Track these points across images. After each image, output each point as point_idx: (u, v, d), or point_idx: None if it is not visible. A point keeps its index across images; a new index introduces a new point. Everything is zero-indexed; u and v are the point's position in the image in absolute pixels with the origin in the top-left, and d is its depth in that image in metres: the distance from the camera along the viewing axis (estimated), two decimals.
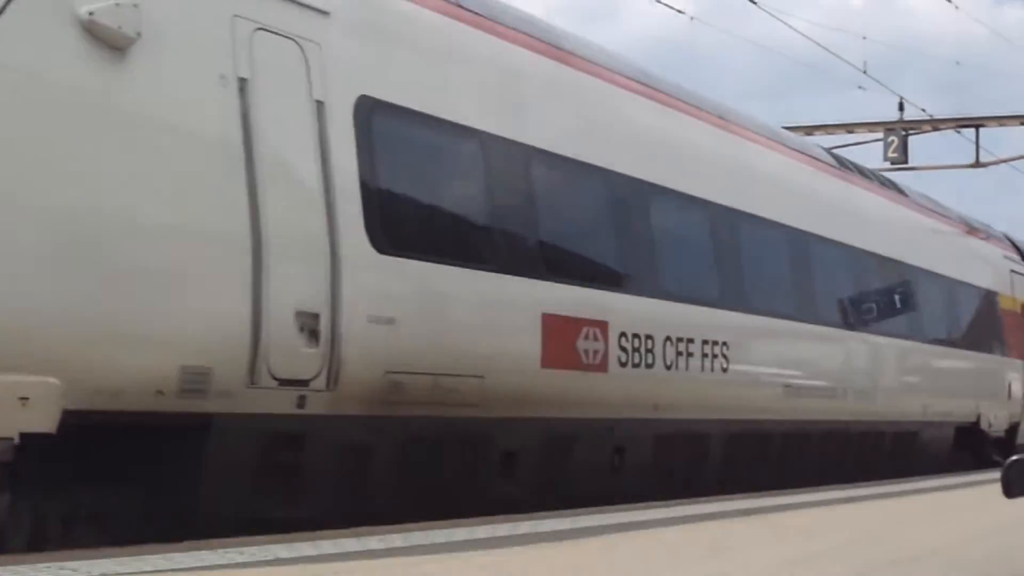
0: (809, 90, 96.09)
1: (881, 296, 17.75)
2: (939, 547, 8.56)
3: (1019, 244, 25.68)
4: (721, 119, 14.40)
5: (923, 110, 30.72)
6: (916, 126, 30.60)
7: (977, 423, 20.89)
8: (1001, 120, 31.21)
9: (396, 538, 7.79)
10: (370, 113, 9.23)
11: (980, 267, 22.06)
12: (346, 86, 9.09)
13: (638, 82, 12.90)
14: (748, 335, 13.72)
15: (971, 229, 22.75)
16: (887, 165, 28.83)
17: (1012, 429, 22.86)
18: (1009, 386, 22.44)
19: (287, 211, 8.44)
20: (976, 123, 30.85)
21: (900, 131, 29.82)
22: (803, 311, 15.12)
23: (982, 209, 77.21)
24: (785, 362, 14.68)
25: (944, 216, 21.52)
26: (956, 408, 20.00)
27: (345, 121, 9.00)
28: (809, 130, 29.65)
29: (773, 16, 39.69)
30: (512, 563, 7.00)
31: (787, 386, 14.57)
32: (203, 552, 6.77)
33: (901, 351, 18.00)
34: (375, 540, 7.62)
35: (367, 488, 9.15)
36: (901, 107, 30.26)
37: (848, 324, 16.41)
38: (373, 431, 9.10)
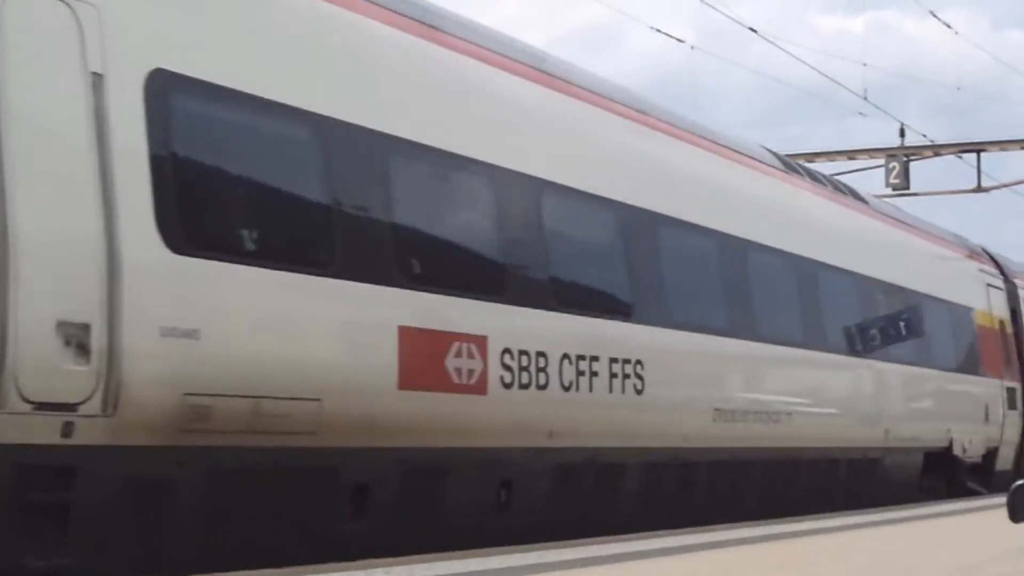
0: (810, 117, 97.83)
1: (835, 310, 16.33)
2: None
3: (997, 258, 24.23)
4: (635, 111, 12.96)
5: (924, 136, 30.53)
6: (917, 152, 30.60)
7: (949, 448, 19.44)
8: (1002, 145, 31.05)
9: None
10: (166, 89, 7.86)
11: (953, 281, 20.64)
12: (134, 57, 7.72)
13: (498, 53, 11.20)
14: (668, 353, 12.28)
15: (944, 241, 21.33)
16: (889, 191, 28.92)
17: (991, 455, 21.40)
18: (986, 408, 20.97)
19: (47, 204, 7.08)
20: (977, 148, 30.82)
21: (901, 157, 29.87)
22: (738, 326, 13.67)
23: (985, 234, 76.41)
24: (715, 383, 13.25)
25: (912, 227, 20.10)
26: (925, 432, 18.55)
27: (132, 97, 7.63)
28: (810, 157, 29.31)
29: (773, 44, 40.34)
30: None
31: (718, 410, 13.14)
32: None
33: (859, 371, 16.57)
34: None
35: (163, 532, 7.75)
36: (902, 133, 30.33)
37: (794, 341, 14.97)
38: (170, 464, 7.70)
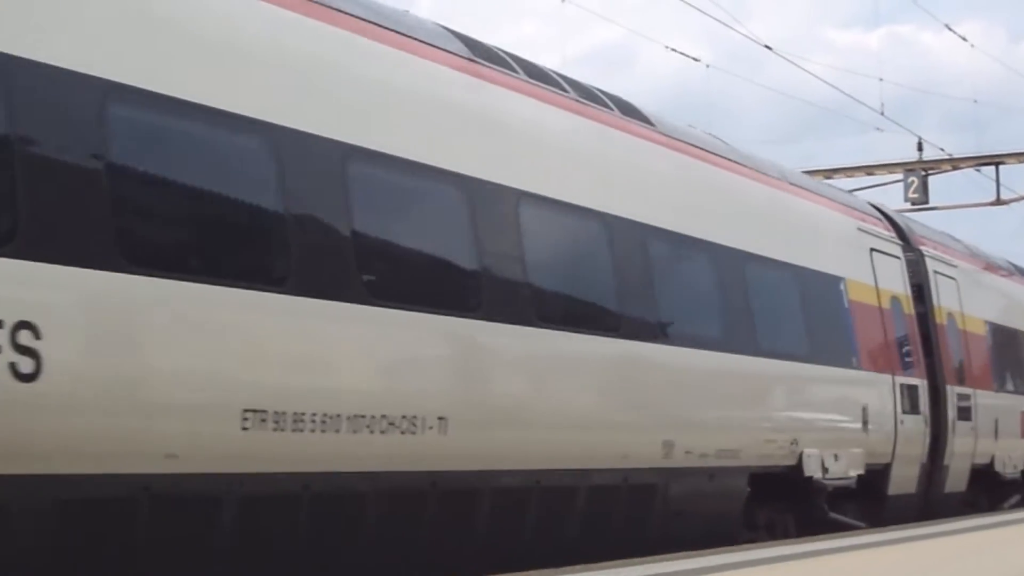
0: (827, 133, 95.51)
1: (564, 267, 11.09)
2: None
3: (897, 220, 18.89)
4: None
5: (942, 149, 30.38)
6: (935, 166, 30.60)
7: (798, 467, 14.12)
8: (1020, 157, 30.84)
9: None
10: None
11: (807, 240, 15.33)
12: None
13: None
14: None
15: (805, 191, 16.01)
16: (908, 206, 28.79)
17: (878, 475, 16.06)
18: (865, 412, 15.62)
19: None
20: (996, 161, 30.77)
21: (920, 171, 29.90)
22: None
23: (1006, 248, 73.23)
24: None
25: (746, 167, 14.77)
26: (748, 446, 13.23)
27: None
28: (828, 173, 28.76)
29: (789, 61, 39.40)
30: None
31: (253, 412, 7.90)
32: None
33: (608, 356, 11.30)
34: None
35: None
36: (920, 147, 30.17)
37: (459, 306, 9.72)
38: None
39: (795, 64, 48.76)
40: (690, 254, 12.90)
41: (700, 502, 12.52)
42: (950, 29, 33.60)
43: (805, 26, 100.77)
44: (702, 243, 12.90)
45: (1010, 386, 21.26)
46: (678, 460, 12.02)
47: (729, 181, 14.11)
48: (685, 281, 12.59)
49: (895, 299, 17.07)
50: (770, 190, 14.93)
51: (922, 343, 17.74)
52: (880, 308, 16.55)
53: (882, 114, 28.21)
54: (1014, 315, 22.18)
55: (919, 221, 20.20)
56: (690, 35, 76.42)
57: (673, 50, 33.91)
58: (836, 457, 14.83)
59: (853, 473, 15.23)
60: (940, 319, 18.55)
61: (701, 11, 39.69)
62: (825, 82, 45.03)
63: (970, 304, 19.94)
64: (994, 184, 31.09)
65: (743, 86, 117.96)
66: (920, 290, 18.37)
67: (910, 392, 16.94)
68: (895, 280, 17.22)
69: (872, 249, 16.74)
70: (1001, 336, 21.26)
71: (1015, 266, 24.34)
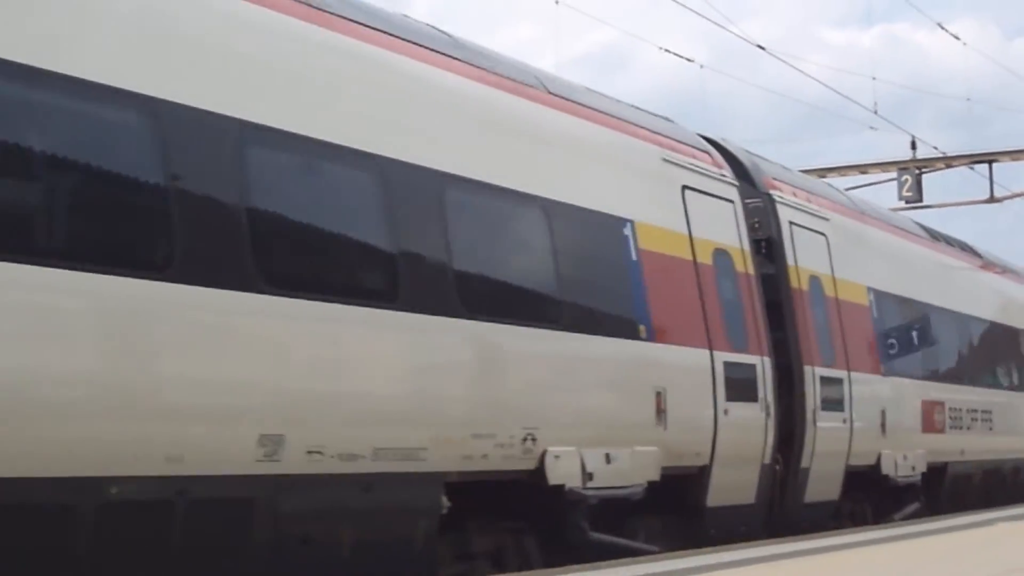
0: (821, 133, 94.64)
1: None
2: None
3: (740, 154, 14.98)
4: None
5: (936, 148, 30.65)
6: (929, 164, 30.59)
7: (539, 474, 10.24)
8: (1014, 155, 30.89)
9: None
10: None
11: (579, 171, 11.48)
12: None
13: None
14: None
15: (574, 105, 12.08)
16: (902, 204, 28.95)
17: (694, 479, 12.22)
18: (660, 397, 11.72)
19: None
20: (989, 158, 30.78)
21: (913, 170, 29.96)
22: None
23: (1001, 245, 72.46)
24: None
25: (476, 68, 10.89)
26: (442, 444, 9.35)
27: None
28: (822, 172, 28.77)
29: (782, 61, 41.28)
30: None
31: None
32: None
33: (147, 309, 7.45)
34: None
35: None
36: (913, 146, 30.28)
37: None
38: None
39: (789, 64, 47.63)
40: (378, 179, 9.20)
41: (345, 525, 8.62)
42: (943, 28, 32.97)
43: (799, 25, 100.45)
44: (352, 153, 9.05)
45: (908, 369, 17.39)
46: (292, 464, 8.13)
47: (458, 88, 10.38)
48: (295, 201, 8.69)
49: (721, 253, 13.17)
50: (512, 99, 11.05)
51: (768, 312, 13.87)
52: (695, 263, 12.65)
53: (876, 113, 28.31)
54: (918, 284, 18.32)
55: (786, 167, 16.27)
56: (684, 36, 75.85)
57: (667, 51, 36.22)
58: (608, 458, 10.95)
59: (641, 480, 11.35)
60: (799, 283, 14.67)
61: (695, 12, 39.33)
62: (819, 81, 45.54)
63: (848, 267, 16.08)
64: (988, 182, 31.15)
65: (737, 86, 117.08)
66: (768, 246, 14.51)
67: (741, 373, 13.05)
68: (722, 228, 13.33)
69: (686, 187, 12.84)
70: (896, 308, 17.39)
71: (926, 229, 20.50)
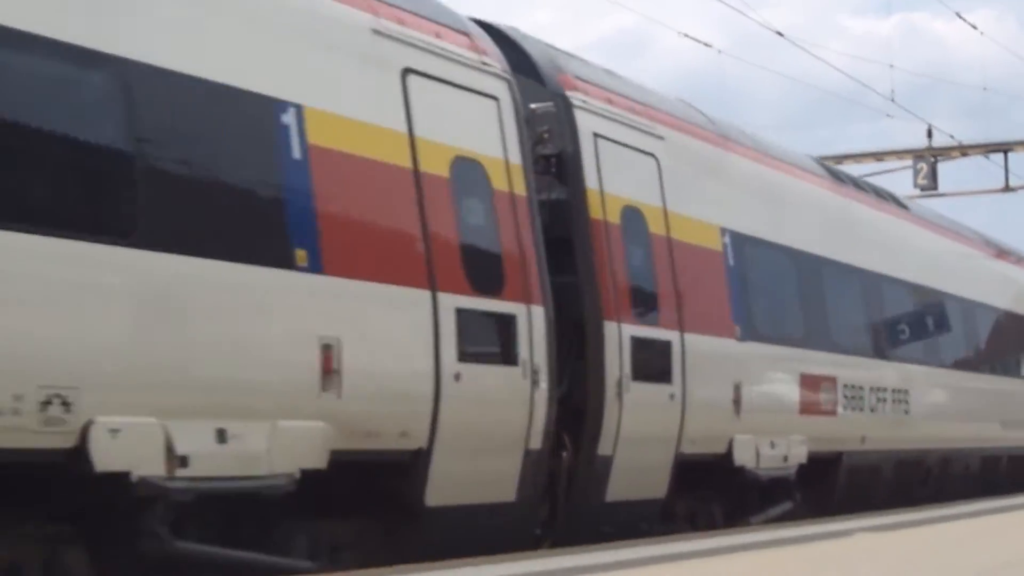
0: (838, 120, 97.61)
1: None
2: None
3: (524, 42, 11.47)
4: None
5: (951, 136, 30.87)
6: (945, 152, 30.77)
7: (85, 454, 6.79)
8: None
9: None
10: None
11: (215, 29, 8.00)
12: None
13: None
14: None
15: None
16: (917, 192, 29.08)
17: (405, 468, 8.84)
18: (330, 352, 8.23)
19: None
20: (1004, 148, 30.97)
21: (929, 158, 30.02)
22: None
23: (1016, 235, 69.27)
24: None
25: None
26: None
27: None
28: (838, 160, 28.93)
29: (800, 48, 41.62)
30: None
31: None
32: None
33: None
34: None
35: None
36: (930, 134, 30.32)
37: None
38: None
39: (807, 51, 50.89)
40: None
41: None
42: (961, 17, 33.15)
43: (818, 13, 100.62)
44: None
45: (779, 334, 13.90)
46: None
47: None
48: None
49: (467, 164, 9.69)
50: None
51: (545, 247, 10.41)
52: (417, 172, 9.17)
53: (892, 100, 28.48)
54: (804, 231, 14.81)
55: (610, 71, 12.68)
56: (704, 21, 78.13)
57: (686, 36, 34.90)
58: (223, 436, 7.49)
59: (287, 467, 7.88)
60: (603, 214, 11.17)
61: None
62: (836, 68, 47.62)
63: (692, 200, 12.60)
64: (1003, 171, 31.30)
65: (755, 72, 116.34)
66: (562, 163, 11.04)
67: (486, 326, 9.62)
68: (473, 132, 9.85)
69: (409, 71, 9.34)
70: (765, 257, 13.90)
71: (830, 169, 17.01)
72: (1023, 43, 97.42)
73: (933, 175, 30.09)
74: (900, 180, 31.44)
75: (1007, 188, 31.87)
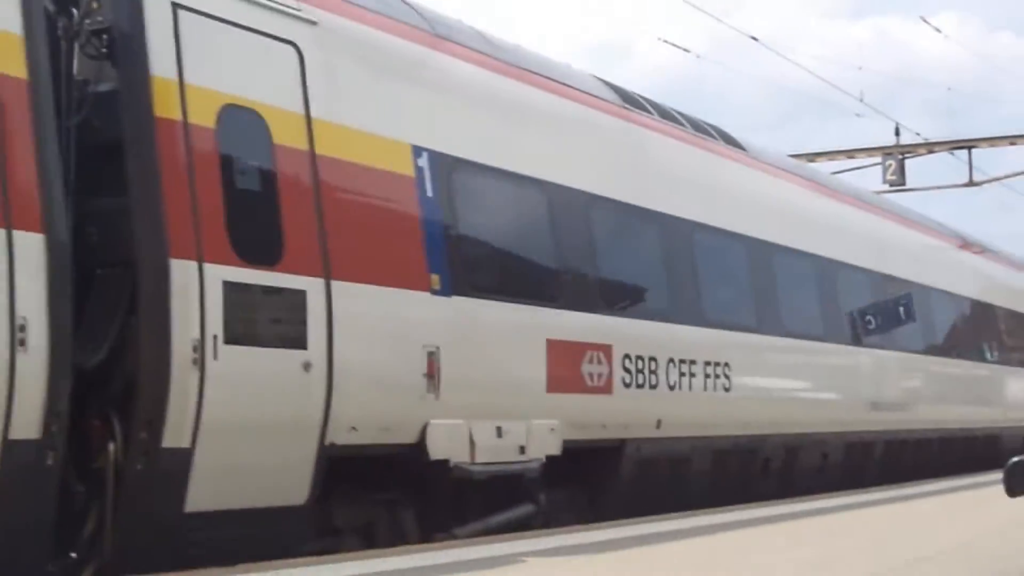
0: (812, 120, 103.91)
1: None
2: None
3: None
4: None
5: (918, 134, 32.55)
6: (912, 150, 32.11)
7: None
8: (992, 141, 32.47)
9: None
10: None
11: None
12: None
13: None
14: None
15: None
16: (886, 187, 30.33)
17: None
18: None
19: None
20: (969, 145, 32.41)
21: (897, 155, 31.32)
22: None
23: (979, 227, 72.76)
24: None
25: None
26: None
27: None
28: (811, 157, 30.75)
29: (775, 52, 40.39)
30: None
31: None
32: None
33: None
34: None
35: None
36: (897, 132, 31.79)
37: None
38: None
39: (781, 55, 51.97)
40: None
41: None
42: (926, 21, 38.41)
43: (792, 18, 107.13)
44: None
45: (509, 288, 10.78)
46: None
47: None
48: None
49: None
50: None
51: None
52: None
53: (862, 101, 31.51)
54: (557, 162, 11.69)
55: None
56: (683, 28, 75.59)
57: (666, 42, 41.44)
58: None
59: None
60: (182, 111, 8.01)
61: (693, 5, 41.18)
62: (809, 72, 49.00)
63: (360, 109, 9.50)
64: (967, 167, 32.64)
65: (732, 76, 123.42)
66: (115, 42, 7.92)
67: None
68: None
69: None
70: (487, 189, 10.79)
71: (615, 88, 13.84)
72: (986, 46, 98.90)
73: (901, 171, 31.37)
74: (871, 176, 32.96)
75: (971, 183, 33.05)
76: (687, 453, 13.05)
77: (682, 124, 14.31)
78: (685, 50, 38.58)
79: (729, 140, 15.37)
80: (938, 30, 55.81)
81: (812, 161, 29.34)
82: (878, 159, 31.61)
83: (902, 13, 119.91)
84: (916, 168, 47.10)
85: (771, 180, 15.99)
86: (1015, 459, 6.00)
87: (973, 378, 22.13)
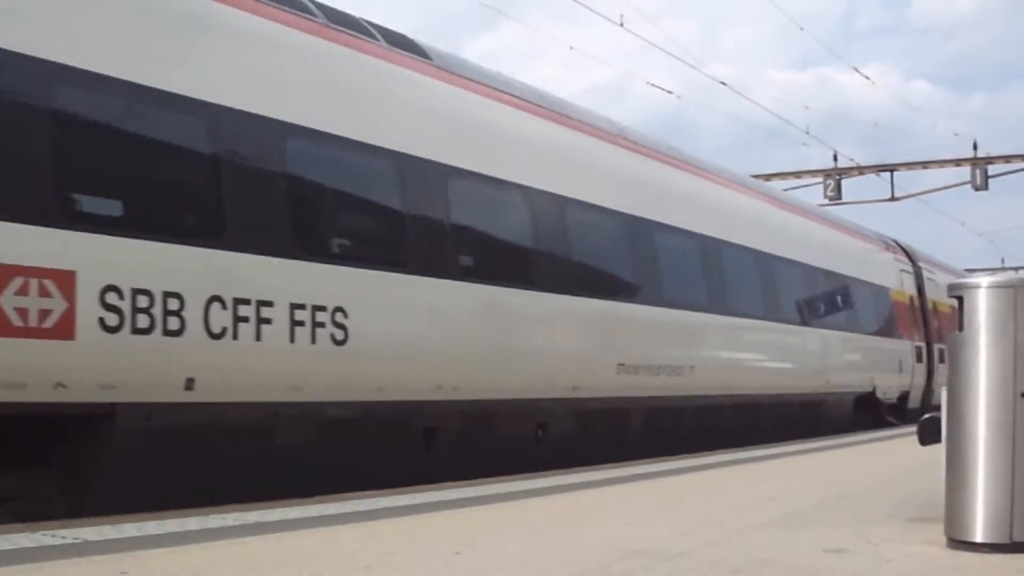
0: (766, 147, 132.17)
1: None
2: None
3: None
4: None
5: (852, 160, 40.60)
6: (846, 172, 39.77)
7: None
8: (909, 165, 40.57)
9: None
10: None
11: None
12: None
13: None
14: None
15: None
16: (826, 201, 37.38)
17: None
18: None
19: None
20: (891, 168, 40.43)
21: (835, 176, 39.17)
22: None
23: (900, 233, 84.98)
24: None
25: None
26: None
27: None
28: (767, 177, 37.58)
29: (739, 93, 53.52)
30: None
31: None
32: None
33: None
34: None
35: None
36: (835, 158, 39.72)
37: None
38: None
39: (743, 96, 65.60)
40: None
41: None
42: (857, 71, 48.98)
43: (752, 67, 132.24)
44: None
45: None
46: None
47: None
48: None
49: None
50: None
51: None
52: None
53: (807, 133, 45.71)
54: None
55: None
56: (667, 74, 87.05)
57: (652, 85, 48.42)
58: None
59: None
60: None
61: (674, 56, 56.86)
62: (765, 109, 57.63)
63: None
64: (889, 185, 40.20)
65: (705, 112, 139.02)
66: None
67: None
68: None
69: None
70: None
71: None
72: (904, 90, 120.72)
73: (838, 189, 38.96)
74: (814, 192, 39.48)
75: (893, 198, 40.52)
76: (262, 421, 9.30)
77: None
78: (668, 92, 50.48)
79: (403, 44, 12.02)
80: (867, 77, 67.63)
81: (768, 180, 35.04)
82: (820, 179, 39.54)
83: (839, 64, 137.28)
84: (850, 187, 54.10)
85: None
86: (927, 415, 7.09)
87: (776, 340, 19.18)
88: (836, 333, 22.09)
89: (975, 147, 38.64)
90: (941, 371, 26.54)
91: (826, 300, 22.22)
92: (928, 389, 27.19)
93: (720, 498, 9.00)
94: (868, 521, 7.48)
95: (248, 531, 6.74)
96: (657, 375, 14.70)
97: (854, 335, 22.98)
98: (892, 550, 6.23)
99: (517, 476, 10.86)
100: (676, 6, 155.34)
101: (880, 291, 25.21)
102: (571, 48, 78.89)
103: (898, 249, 28.25)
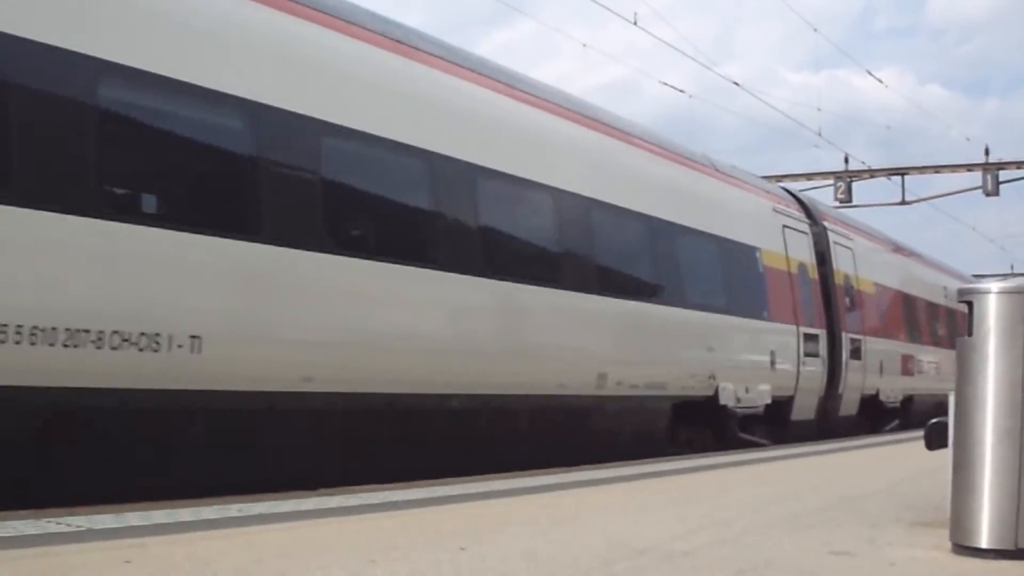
0: (779, 149, 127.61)
1: None
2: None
3: None
4: None
5: (863, 162, 40.08)
6: (858, 175, 39.27)
7: None
8: (921, 169, 40.21)
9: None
10: None
11: None
12: None
13: None
14: None
15: None
16: (836, 203, 36.52)
17: None
18: None
19: None
20: (902, 172, 40.10)
21: (846, 178, 38.66)
22: None
23: (910, 237, 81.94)
24: None
25: None
26: None
27: None
28: (779, 178, 36.06)
29: (752, 94, 50.59)
30: None
31: None
32: None
33: None
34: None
35: None
36: (847, 160, 39.13)
37: None
38: None
39: (757, 97, 61.86)
40: None
41: None
42: (871, 74, 48.03)
43: (766, 67, 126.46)
44: None
45: None
46: None
47: None
48: None
49: None
50: None
51: None
52: None
53: (819, 135, 45.34)
54: None
55: None
56: (679, 73, 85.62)
57: (665, 84, 49.01)
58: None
59: None
60: None
61: (687, 55, 55.08)
62: (778, 110, 57.41)
63: None
64: (900, 189, 40.08)
65: (718, 112, 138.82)
66: None
67: None
68: None
69: None
70: None
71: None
72: (917, 94, 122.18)
73: (849, 191, 38.25)
74: (825, 194, 38.14)
75: (903, 202, 40.27)
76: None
77: None
78: (681, 91, 50.26)
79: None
80: (880, 81, 67.35)
81: (779, 182, 32.43)
82: (831, 181, 38.90)
83: (852, 66, 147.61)
84: (860, 189, 53.29)
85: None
86: (933, 420, 7.12)
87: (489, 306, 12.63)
88: (634, 304, 14.89)
89: (987, 152, 38.28)
90: (855, 368, 21.89)
91: (620, 253, 15.09)
92: (832, 394, 20.90)
93: (726, 498, 9.04)
94: (873, 524, 7.47)
95: (253, 522, 6.79)
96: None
97: (675, 310, 15.76)
98: (897, 554, 6.23)
99: (521, 472, 11.00)
100: (690, 5, 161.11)
101: (738, 251, 18.03)
102: (584, 46, 77.05)
103: (789, 200, 21.51)
